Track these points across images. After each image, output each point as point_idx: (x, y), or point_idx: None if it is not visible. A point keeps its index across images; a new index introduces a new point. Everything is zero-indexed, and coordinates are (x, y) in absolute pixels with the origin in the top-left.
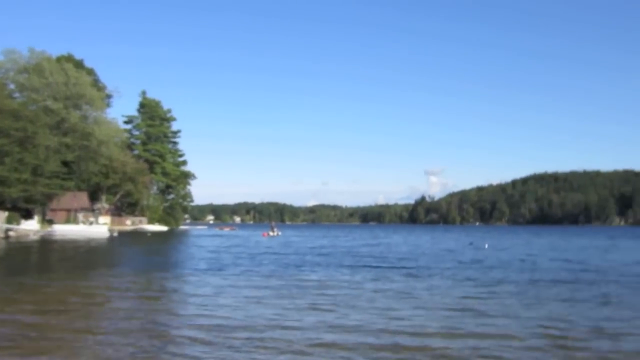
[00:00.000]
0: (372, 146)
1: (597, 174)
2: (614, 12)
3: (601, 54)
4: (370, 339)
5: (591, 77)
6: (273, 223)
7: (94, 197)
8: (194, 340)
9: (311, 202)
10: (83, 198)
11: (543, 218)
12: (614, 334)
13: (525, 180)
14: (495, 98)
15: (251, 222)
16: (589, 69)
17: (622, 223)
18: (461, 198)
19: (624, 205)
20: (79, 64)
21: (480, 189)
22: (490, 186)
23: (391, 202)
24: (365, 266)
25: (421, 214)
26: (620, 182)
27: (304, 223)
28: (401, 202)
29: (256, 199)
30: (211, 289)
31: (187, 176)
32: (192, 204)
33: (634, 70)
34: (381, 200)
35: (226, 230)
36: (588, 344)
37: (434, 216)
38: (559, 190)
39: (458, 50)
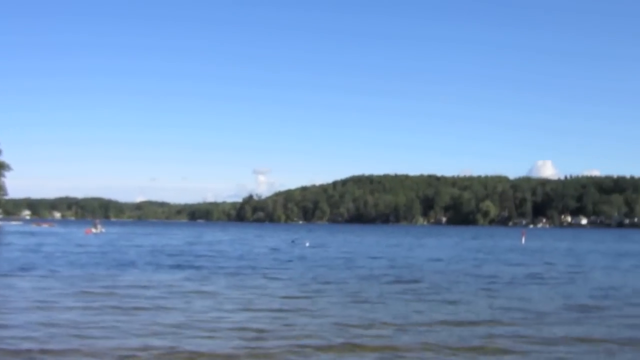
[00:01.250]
0: (202, 143)
1: (406, 178)
2: None
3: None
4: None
5: (397, 85)
6: (97, 220)
7: None
8: None
9: (138, 198)
10: None
11: (359, 217)
12: (415, 324)
13: (344, 182)
14: (315, 102)
15: (73, 218)
16: (386, 74)
17: (425, 222)
18: (286, 197)
19: (427, 206)
20: None
21: (304, 189)
22: (314, 186)
23: (220, 199)
24: (187, 266)
25: (248, 212)
26: (424, 185)
27: (130, 220)
28: (230, 200)
29: (79, 194)
30: None
31: None
32: (5, 197)
33: (421, 74)
34: (210, 198)
35: (44, 226)
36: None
37: (261, 214)
38: (374, 191)
39: (286, 43)
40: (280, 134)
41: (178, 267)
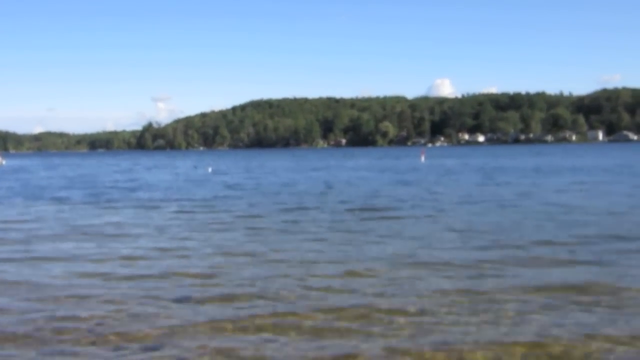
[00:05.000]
0: (99, 72)
1: (305, 101)
2: None
3: None
4: None
5: (293, 6)
6: None
7: None
8: None
9: (37, 130)
10: None
11: (260, 142)
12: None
13: (244, 107)
14: (211, 26)
15: None
16: None
17: (325, 145)
18: (186, 124)
19: (327, 129)
20: None
21: (203, 115)
22: (213, 112)
23: (120, 128)
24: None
25: (149, 141)
26: (323, 108)
27: (30, 152)
28: (129, 128)
29: None
30: None
31: None
32: None
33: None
34: (110, 127)
35: None
36: None
37: (161, 142)
38: (274, 115)
39: None
40: (178, 60)
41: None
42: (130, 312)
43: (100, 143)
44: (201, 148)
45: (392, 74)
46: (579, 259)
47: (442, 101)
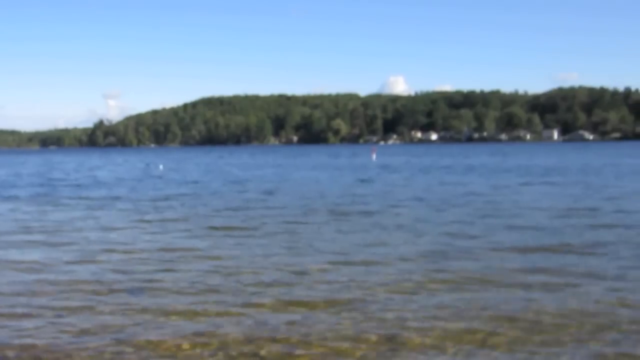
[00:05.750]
0: (50, 68)
1: (256, 98)
2: None
3: None
4: None
5: (244, 2)
6: None
7: None
8: None
9: None
10: None
11: (211, 139)
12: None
13: (195, 104)
14: (162, 22)
15: None
16: None
17: (277, 142)
18: (137, 121)
19: (279, 126)
20: None
21: (155, 112)
22: (164, 109)
23: (71, 126)
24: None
25: (100, 138)
26: (275, 105)
27: None
28: (81, 125)
29: None
30: None
31: None
32: None
33: None
34: (61, 124)
35: None
36: None
37: (113, 139)
38: (225, 113)
39: None
40: (129, 56)
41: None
42: None
43: (51, 140)
44: (152, 145)
45: (345, 71)
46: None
47: (395, 99)
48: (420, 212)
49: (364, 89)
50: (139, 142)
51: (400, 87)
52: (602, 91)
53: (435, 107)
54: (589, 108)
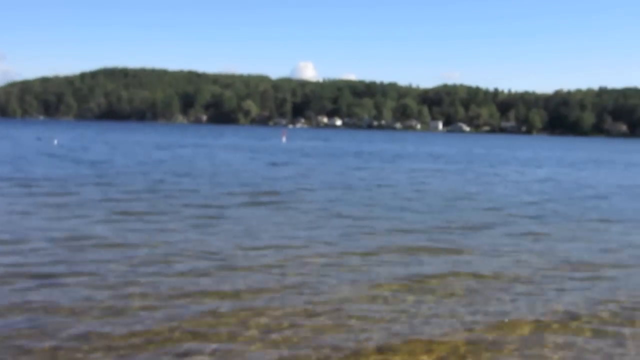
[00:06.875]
0: None
1: (164, 73)
2: None
3: None
4: None
5: None
6: None
7: None
8: None
9: None
10: None
11: (112, 113)
12: None
13: (94, 74)
14: None
15: None
16: None
17: (185, 121)
18: (23, 89)
19: (187, 104)
20: None
21: (45, 80)
22: (57, 78)
23: None
24: None
25: None
26: (184, 81)
27: None
28: None
29: None
30: None
31: None
32: None
33: None
34: None
35: None
36: None
37: None
38: (129, 86)
39: None
40: (17, 14)
41: None
42: None
43: None
44: (41, 117)
45: (256, 53)
46: None
47: (304, 84)
48: (330, 195)
49: (274, 72)
50: (24, 112)
51: (310, 72)
52: (477, 90)
53: (341, 94)
54: (466, 104)
